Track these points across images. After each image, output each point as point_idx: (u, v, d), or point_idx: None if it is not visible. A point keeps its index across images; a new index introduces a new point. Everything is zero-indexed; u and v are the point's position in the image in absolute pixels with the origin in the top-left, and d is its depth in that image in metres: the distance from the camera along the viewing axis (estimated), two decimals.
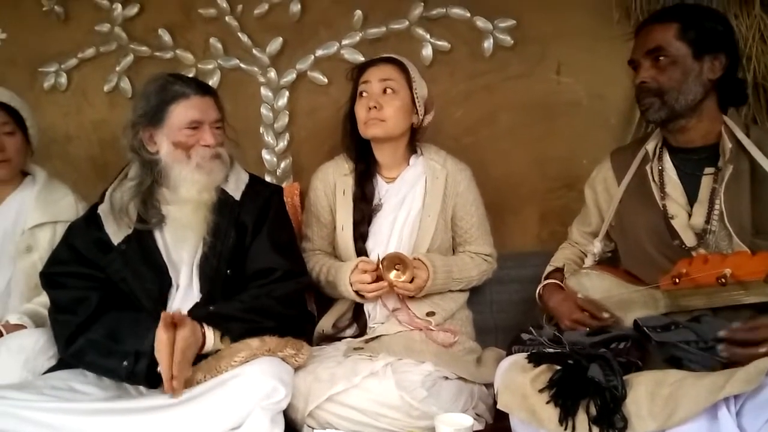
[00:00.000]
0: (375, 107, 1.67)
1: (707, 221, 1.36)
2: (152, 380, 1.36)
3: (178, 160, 1.51)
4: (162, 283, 1.52)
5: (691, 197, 1.40)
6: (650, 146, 1.49)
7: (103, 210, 1.55)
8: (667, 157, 1.46)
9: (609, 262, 1.60)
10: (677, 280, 1.30)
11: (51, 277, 1.54)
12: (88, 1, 2.12)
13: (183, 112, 1.50)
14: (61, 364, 1.48)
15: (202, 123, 1.52)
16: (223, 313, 1.44)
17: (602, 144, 1.90)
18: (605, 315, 1.42)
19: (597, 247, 1.56)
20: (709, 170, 1.39)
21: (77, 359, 1.44)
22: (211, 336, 1.39)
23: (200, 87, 1.55)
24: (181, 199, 1.52)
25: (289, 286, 1.54)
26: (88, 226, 1.56)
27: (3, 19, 2.17)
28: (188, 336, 1.33)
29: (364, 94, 1.71)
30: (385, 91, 1.69)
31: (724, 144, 1.38)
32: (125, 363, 1.37)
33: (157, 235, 1.55)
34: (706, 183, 1.39)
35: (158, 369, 1.32)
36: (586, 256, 1.62)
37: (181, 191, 1.52)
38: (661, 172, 1.45)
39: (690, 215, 1.39)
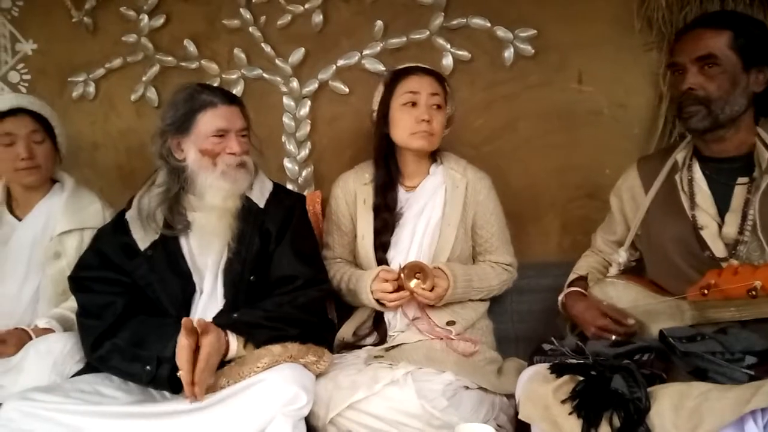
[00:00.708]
0: (427, 120, 1.67)
1: (740, 231, 1.34)
2: (175, 385, 1.38)
3: (204, 168, 1.53)
4: (186, 288, 1.55)
5: (721, 207, 1.39)
6: (680, 156, 1.47)
7: (130, 216, 1.58)
8: (696, 167, 1.45)
9: (633, 271, 1.58)
10: (706, 292, 1.28)
11: (79, 281, 1.57)
12: (115, 12, 2.16)
13: (210, 120, 1.52)
14: (88, 368, 1.50)
15: (229, 131, 1.54)
16: (246, 320, 1.45)
17: (625, 153, 1.89)
18: (630, 321, 1.40)
19: (622, 256, 1.54)
20: (742, 180, 1.38)
21: (102, 363, 1.47)
22: (234, 343, 1.41)
23: (227, 96, 1.57)
24: (207, 206, 1.54)
25: (311, 294, 1.56)
26: (115, 231, 1.59)
27: (34, 30, 2.23)
28: (213, 342, 1.35)
29: (413, 104, 1.69)
30: (432, 104, 1.70)
31: (760, 154, 1.37)
32: (148, 368, 1.39)
33: (183, 241, 1.57)
34: (739, 193, 1.37)
35: (178, 374, 1.34)
36: (609, 264, 1.61)
37: (207, 198, 1.54)
38: (690, 182, 1.43)
39: (720, 226, 1.37)
